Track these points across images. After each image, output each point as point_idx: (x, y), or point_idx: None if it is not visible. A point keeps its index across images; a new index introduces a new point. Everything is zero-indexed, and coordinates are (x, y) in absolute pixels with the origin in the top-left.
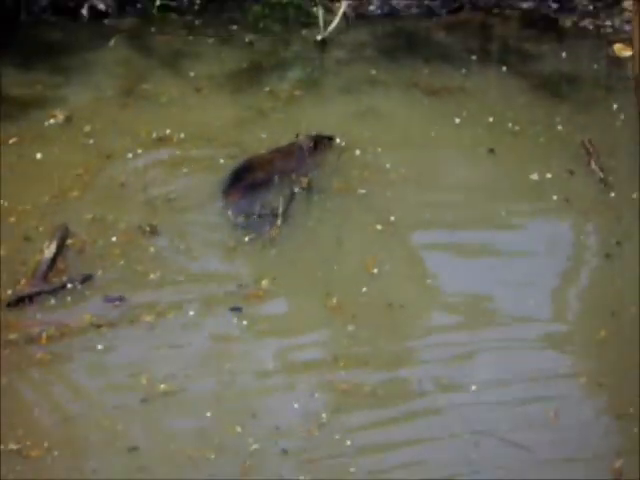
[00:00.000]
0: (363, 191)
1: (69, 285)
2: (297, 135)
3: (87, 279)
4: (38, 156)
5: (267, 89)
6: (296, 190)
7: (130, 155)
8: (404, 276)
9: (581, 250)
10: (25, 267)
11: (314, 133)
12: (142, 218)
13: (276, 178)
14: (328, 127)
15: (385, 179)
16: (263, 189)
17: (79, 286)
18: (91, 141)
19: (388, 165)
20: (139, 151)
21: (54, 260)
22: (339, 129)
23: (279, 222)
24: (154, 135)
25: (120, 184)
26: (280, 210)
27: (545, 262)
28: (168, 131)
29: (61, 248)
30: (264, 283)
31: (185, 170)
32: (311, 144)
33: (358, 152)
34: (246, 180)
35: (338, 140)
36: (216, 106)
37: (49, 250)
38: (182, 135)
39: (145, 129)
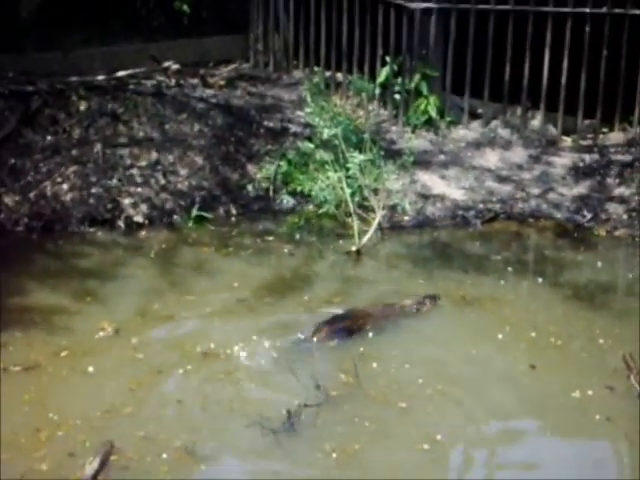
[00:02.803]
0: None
1: None
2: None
3: None
4: (90, 369)
5: (305, 298)
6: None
7: (181, 371)
8: None
9: (623, 474)
10: None
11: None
12: (194, 439)
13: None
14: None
15: (422, 394)
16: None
17: None
18: (140, 355)
19: (420, 380)
20: (189, 367)
21: (95, 477)
22: (372, 345)
23: None
24: (198, 349)
25: (177, 401)
26: None
27: None
28: (212, 345)
29: (104, 465)
30: None
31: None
32: (415, 305)
33: (391, 370)
34: (340, 324)
35: None
36: (257, 315)
37: (91, 467)
38: (228, 351)
39: (190, 343)
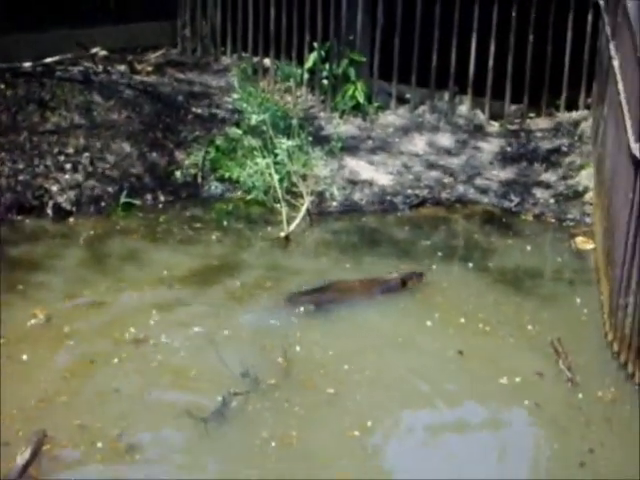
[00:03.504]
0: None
1: None
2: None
3: None
4: (24, 357)
5: (235, 285)
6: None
7: (114, 359)
8: None
9: (555, 459)
10: None
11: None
12: (128, 428)
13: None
14: (286, 331)
15: (350, 380)
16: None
17: None
18: (73, 343)
19: (346, 366)
20: (122, 355)
21: (26, 467)
22: (298, 331)
23: None
24: (129, 337)
25: (112, 390)
26: None
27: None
28: (144, 333)
29: (35, 455)
30: None
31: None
32: (399, 281)
33: (316, 355)
34: (314, 295)
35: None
36: (188, 302)
37: (22, 457)
38: (160, 339)
39: (121, 330)
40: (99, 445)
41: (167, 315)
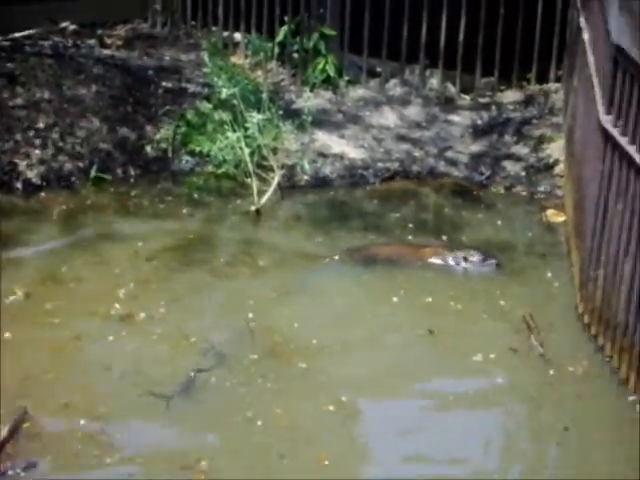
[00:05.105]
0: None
1: (10, 472)
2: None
3: (30, 467)
4: (7, 335)
5: (202, 265)
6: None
7: (100, 336)
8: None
9: (532, 438)
10: None
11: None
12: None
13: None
14: (259, 305)
15: (321, 354)
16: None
17: (22, 474)
18: (57, 320)
19: (314, 341)
20: (107, 332)
21: (2, 445)
22: (269, 306)
23: None
24: (114, 312)
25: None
26: None
27: (494, 454)
28: (128, 309)
29: (13, 433)
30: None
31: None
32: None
33: (287, 329)
34: (372, 250)
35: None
36: (166, 277)
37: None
38: (143, 314)
39: (105, 306)
40: (82, 423)
41: (148, 290)
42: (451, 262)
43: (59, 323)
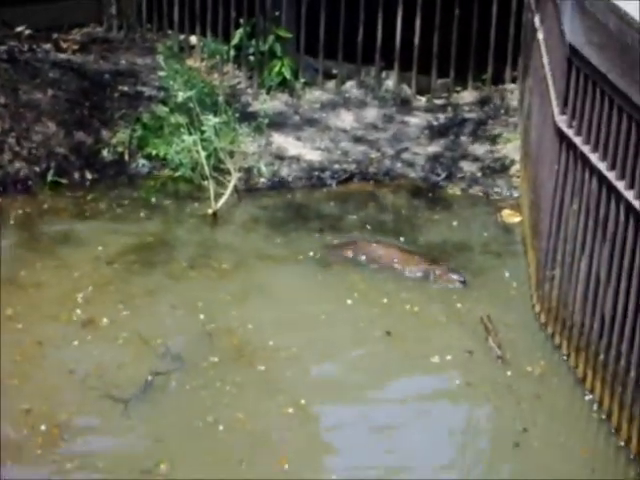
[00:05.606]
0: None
1: None
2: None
3: None
4: None
5: (161, 269)
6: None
7: (63, 341)
8: None
9: (490, 440)
10: None
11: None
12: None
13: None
14: (217, 307)
15: (277, 357)
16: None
17: None
18: (19, 325)
19: (271, 342)
20: (71, 337)
21: None
22: (227, 309)
23: None
24: (75, 318)
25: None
26: None
27: (453, 455)
28: (88, 314)
29: None
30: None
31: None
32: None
33: (245, 331)
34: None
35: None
36: (126, 280)
37: None
38: (104, 319)
39: (66, 311)
40: (42, 428)
41: (108, 294)
42: (419, 273)
43: (21, 329)
